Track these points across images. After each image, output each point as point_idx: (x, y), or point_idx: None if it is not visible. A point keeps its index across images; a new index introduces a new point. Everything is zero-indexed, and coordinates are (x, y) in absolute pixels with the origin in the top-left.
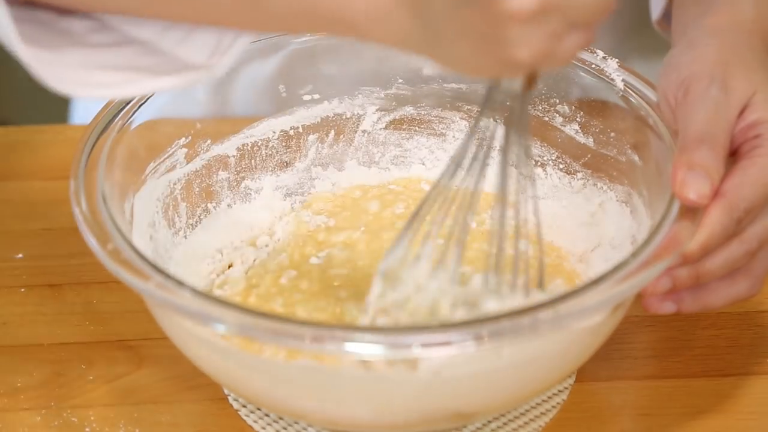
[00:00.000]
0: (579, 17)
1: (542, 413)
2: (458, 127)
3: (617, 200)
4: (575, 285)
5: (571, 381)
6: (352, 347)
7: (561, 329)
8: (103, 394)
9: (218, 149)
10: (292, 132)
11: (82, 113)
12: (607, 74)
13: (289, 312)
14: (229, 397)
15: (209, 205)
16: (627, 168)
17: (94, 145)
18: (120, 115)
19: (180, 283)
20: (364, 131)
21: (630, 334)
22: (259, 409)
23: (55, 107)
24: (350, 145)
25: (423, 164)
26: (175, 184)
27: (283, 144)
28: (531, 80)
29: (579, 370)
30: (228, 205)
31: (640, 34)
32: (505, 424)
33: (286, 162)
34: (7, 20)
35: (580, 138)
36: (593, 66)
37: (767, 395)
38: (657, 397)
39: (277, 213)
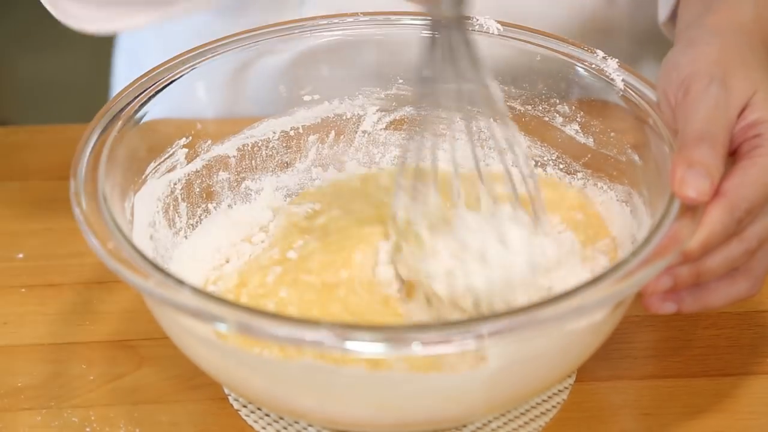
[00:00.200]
0: None
1: (542, 413)
2: (458, 127)
3: (617, 200)
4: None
5: (571, 380)
6: (352, 346)
7: (561, 328)
8: (103, 393)
9: (219, 149)
10: (292, 132)
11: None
12: (607, 74)
13: (279, 309)
14: (230, 397)
15: (209, 205)
16: (627, 168)
17: (94, 145)
18: (120, 115)
19: (180, 282)
20: (364, 132)
21: (630, 334)
22: (259, 408)
23: (56, 107)
24: (350, 145)
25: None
26: (175, 184)
27: (284, 144)
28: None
29: (579, 369)
30: (228, 206)
31: (657, 39)
32: (505, 423)
33: (286, 162)
34: None
35: (580, 138)
36: (593, 66)
37: (767, 395)
38: (657, 397)
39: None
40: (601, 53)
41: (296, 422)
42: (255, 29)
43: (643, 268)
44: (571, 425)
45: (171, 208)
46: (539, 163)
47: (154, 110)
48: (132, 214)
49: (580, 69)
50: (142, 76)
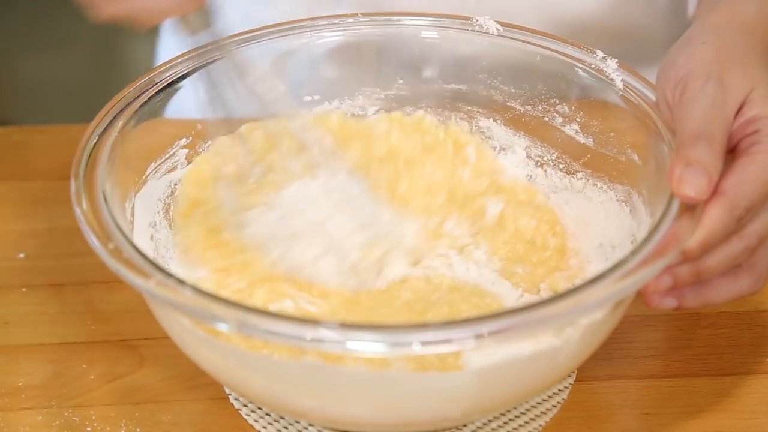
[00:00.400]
0: None
1: (542, 412)
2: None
3: (617, 200)
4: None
5: (571, 380)
6: (352, 345)
7: (561, 327)
8: (104, 393)
9: None
10: None
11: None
12: (606, 74)
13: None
14: (230, 397)
15: None
16: (627, 168)
17: (95, 145)
18: (121, 115)
19: (181, 282)
20: None
21: (630, 333)
22: (260, 408)
23: (56, 107)
24: None
25: None
26: (176, 184)
27: None
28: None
29: (579, 368)
30: None
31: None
32: (505, 423)
33: None
34: None
35: (580, 138)
36: (593, 66)
37: (767, 394)
38: (657, 396)
39: None
40: (600, 53)
41: (297, 422)
42: (255, 29)
43: (643, 268)
44: (571, 425)
45: (171, 208)
46: (539, 163)
47: (155, 110)
48: (132, 215)
49: (579, 69)
50: (142, 76)
